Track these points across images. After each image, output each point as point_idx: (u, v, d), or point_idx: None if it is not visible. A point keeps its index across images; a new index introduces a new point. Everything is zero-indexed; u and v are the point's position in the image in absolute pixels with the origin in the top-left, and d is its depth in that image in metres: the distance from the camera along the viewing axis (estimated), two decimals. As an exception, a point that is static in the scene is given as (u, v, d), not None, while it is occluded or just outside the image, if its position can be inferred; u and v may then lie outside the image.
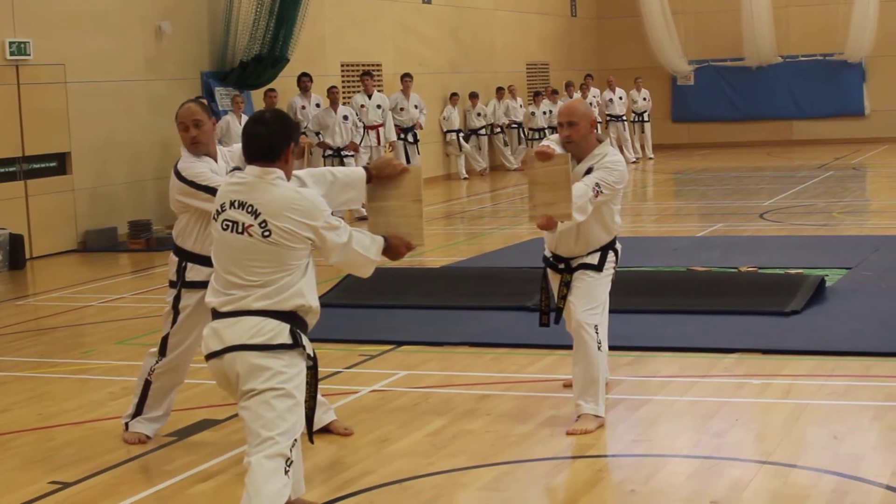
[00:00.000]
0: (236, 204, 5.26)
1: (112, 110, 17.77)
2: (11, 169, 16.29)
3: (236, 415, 5.62)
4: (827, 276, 11.23)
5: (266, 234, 5.18)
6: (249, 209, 5.22)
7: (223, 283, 5.30)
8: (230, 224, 5.26)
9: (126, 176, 18.10)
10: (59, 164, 17.07)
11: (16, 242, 15.53)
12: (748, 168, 26.24)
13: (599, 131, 8.95)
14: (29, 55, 16.34)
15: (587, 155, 7.29)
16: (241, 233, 5.22)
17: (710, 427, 7.15)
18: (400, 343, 9.75)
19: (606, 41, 34.65)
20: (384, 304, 11.13)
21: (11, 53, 16.12)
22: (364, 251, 5.50)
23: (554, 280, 7.55)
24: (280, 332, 5.20)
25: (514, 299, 10.78)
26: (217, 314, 5.30)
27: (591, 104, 27.14)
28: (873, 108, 32.13)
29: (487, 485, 6.32)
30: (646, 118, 30.10)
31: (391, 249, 5.69)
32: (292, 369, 5.22)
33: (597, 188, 7.09)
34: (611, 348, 7.57)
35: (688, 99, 33.64)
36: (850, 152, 28.72)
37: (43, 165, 16.79)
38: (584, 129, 7.25)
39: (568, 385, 7.83)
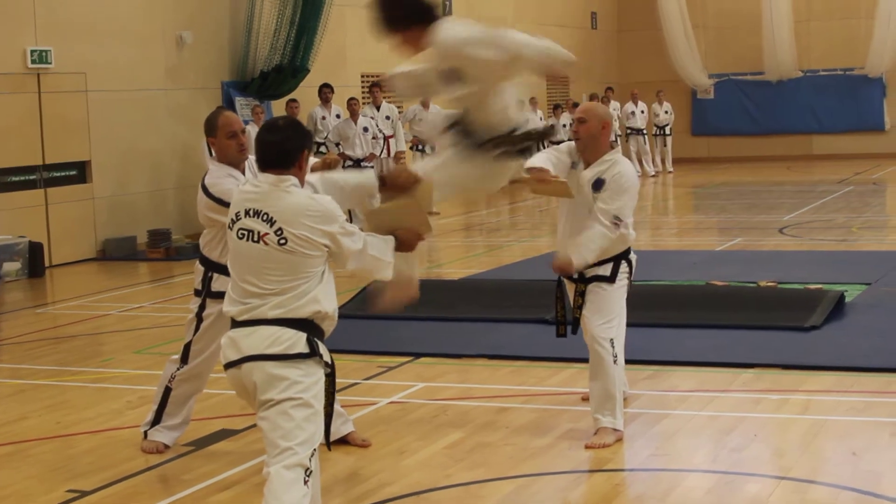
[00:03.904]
0: (251, 212, 5.24)
1: (133, 119, 17.82)
2: (32, 177, 16.35)
3: (254, 425, 5.62)
4: (846, 291, 11.19)
5: (282, 241, 5.16)
6: (265, 217, 5.20)
7: (240, 291, 5.29)
8: (246, 233, 5.24)
9: (146, 185, 18.15)
10: (79, 172, 17.13)
11: (35, 250, 15.58)
12: (768, 182, 26.20)
13: (619, 143, 8.93)
14: (50, 63, 16.41)
15: (596, 159, 7.27)
16: (257, 241, 5.20)
17: (728, 442, 7.13)
18: (418, 355, 9.75)
19: (626, 54, 34.62)
20: (402, 315, 11.06)
21: (33, 62, 16.18)
22: (380, 255, 5.47)
23: (570, 289, 7.53)
24: (297, 341, 5.18)
25: (532, 312, 10.77)
26: (235, 323, 5.30)
27: (610, 117, 27.06)
28: (894, 123, 32.00)
29: (505, 498, 6.31)
30: (667, 132, 30.05)
31: (403, 243, 5.65)
32: (310, 378, 5.21)
33: (616, 220, 7.08)
34: (629, 362, 7.57)
35: (707, 113, 33.57)
36: (870, 167, 28.65)
37: (63, 174, 16.86)
38: (593, 128, 7.23)
39: (586, 398, 7.80)
